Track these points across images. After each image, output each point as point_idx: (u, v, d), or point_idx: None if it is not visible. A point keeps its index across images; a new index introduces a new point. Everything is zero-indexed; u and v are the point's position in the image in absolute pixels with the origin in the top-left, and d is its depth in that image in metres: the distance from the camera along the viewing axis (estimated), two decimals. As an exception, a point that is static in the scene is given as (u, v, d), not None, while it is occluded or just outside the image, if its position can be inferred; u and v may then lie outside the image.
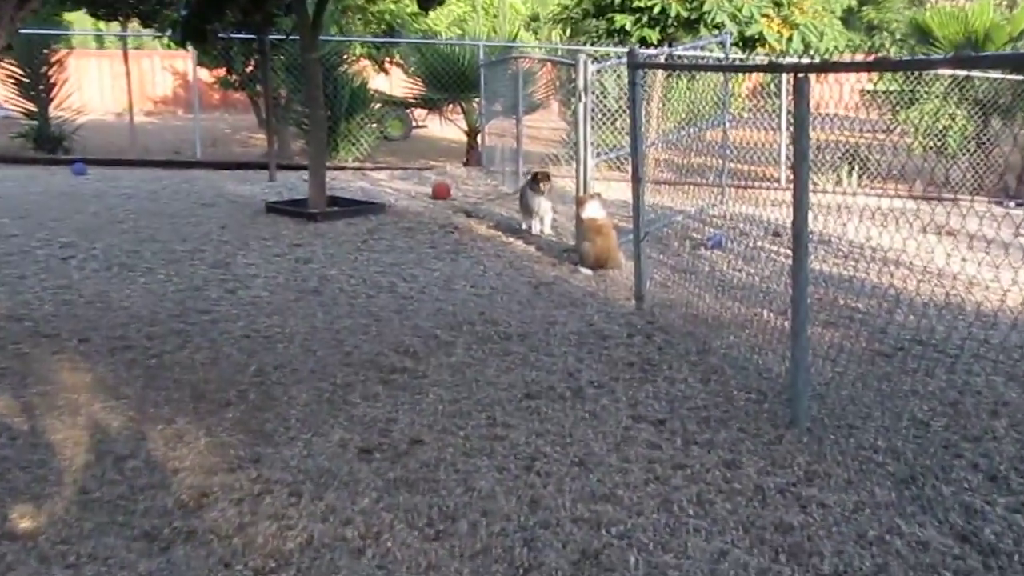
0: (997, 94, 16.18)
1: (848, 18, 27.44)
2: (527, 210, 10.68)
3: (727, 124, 12.71)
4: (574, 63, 9.93)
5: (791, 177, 5.26)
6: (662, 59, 12.86)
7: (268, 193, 13.91)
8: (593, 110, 9.98)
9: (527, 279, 8.67)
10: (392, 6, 23.26)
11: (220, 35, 14.83)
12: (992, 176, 15.89)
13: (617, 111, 13.06)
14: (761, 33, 17.60)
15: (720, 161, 12.84)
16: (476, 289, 8.26)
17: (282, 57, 18.41)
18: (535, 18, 40.11)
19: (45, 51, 19.17)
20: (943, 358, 6.36)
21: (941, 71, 15.91)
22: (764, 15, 17.76)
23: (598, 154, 10.97)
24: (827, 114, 11.18)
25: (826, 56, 17.71)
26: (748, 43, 17.91)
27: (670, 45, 16.55)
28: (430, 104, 20.28)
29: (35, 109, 19.06)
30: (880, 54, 25.28)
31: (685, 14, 17.49)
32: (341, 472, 4.55)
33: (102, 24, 24.63)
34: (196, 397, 5.54)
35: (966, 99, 16.14)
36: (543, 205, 10.58)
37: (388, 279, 8.57)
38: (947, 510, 4.21)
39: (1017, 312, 7.71)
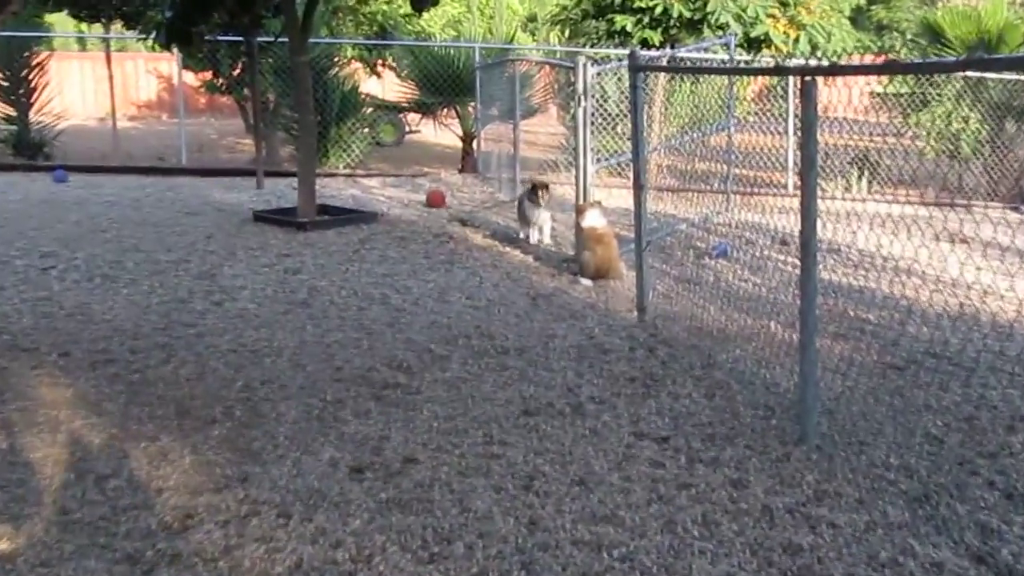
0: (1012, 96, 16.19)
1: (857, 18, 27.53)
2: (525, 220, 10.68)
3: (732, 128, 12.72)
4: (573, 66, 9.93)
5: (799, 183, 5.26)
6: (664, 61, 12.87)
7: (256, 201, 13.91)
8: (593, 114, 9.98)
9: (525, 290, 8.67)
10: (384, 7, 23.32)
11: (206, 37, 14.84)
12: (1007, 181, 15.90)
13: (618, 115, 13.08)
14: (767, 34, 17.61)
15: (725, 167, 12.85)
16: (472, 301, 8.25)
17: (270, 60, 18.42)
18: (532, 19, 40.19)
19: (25, 54, 19.20)
20: (957, 371, 6.35)
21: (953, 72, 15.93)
22: (770, 15, 17.78)
23: (598, 160, 10.96)
24: (836, 118, 11.19)
25: (834, 58, 17.72)
26: (753, 44, 17.92)
27: (672, 47, 16.55)
28: (424, 108, 20.32)
29: (14, 114, 19.08)
30: (890, 56, 25.31)
31: (688, 15, 17.50)
32: (331, 492, 4.53)
33: (84, 26, 24.67)
34: (181, 414, 5.52)
35: (980, 101, 16.15)
36: (542, 216, 10.58)
37: (380, 291, 8.57)
38: (962, 530, 4.20)
39: (1034, 323, 7.71)
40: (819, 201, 5.12)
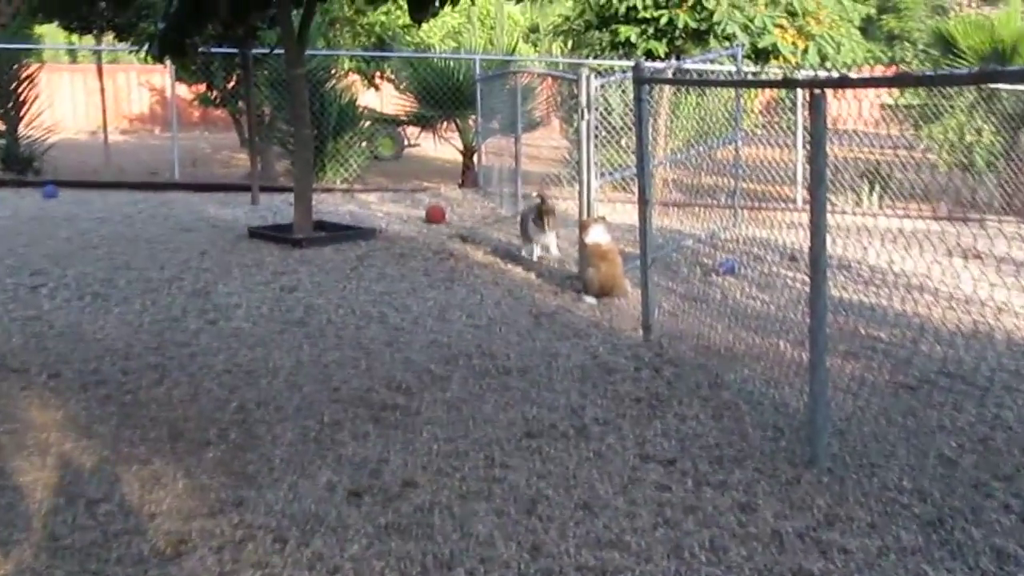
0: (1027, 107, 16.20)
1: (867, 28, 27.58)
2: (527, 238, 10.65)
3: (739, 141, 12.73)
4: (576, 78, 9.96)
5: (807, 197, 5.27)
6: (670, 73, 12.89)
7: (251, 217, 13.93)
8: (597, 128, 10.00)
9: (527, 309, 8.67)
10: (383, 18, 23.38)
11: (200, 49, 14.85)
12: (1022, 194, 15.90)
13: (622, 128, 13.08)
14: (775, 45, 17.64)
15: (732, 181, 12.86)
16: (473, 320, 8.25)
17: (266, 72, 18.46)
18: (534, 29, 40.28)
19: (15, 66, 19.23)
20: (972, 391, 6.35)
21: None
22: (778, 26, 17.82)
23: (602, 174, 10.98)
24: (846, 130, 11.20)
25: (844, 69, 17.75)
26: (761, 55, 17.96)
27: (678, 58, 16.60)
28: (423, 122, 20.36)
29: (3, 128, 19.10)
30: (901, 67, 25.37)
31: (694, 25, 17.54)
32: (329, 517, 4.53)
33: (75, 37, 24.75)
34: (174, 436, 5.52)
35: (993, 112, 16.17)
36: (546, 238, 10.52)
37: (379, 309, 8.57)
38: (977, 555, 4.19)
39: (1050, 341, 7.71)
40: (829, 216, 5.12)
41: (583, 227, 9.26)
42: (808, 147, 5.24)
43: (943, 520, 4.48)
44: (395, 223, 13.52)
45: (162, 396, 6.22)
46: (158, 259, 10.62)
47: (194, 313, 8.35)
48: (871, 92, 14.98)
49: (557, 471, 5.06)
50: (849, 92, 6.15)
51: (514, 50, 24.02)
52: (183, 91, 22.96)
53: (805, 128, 13.77)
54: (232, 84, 19.74)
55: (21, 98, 19.28)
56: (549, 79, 18.70)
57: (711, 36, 17.53)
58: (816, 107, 4.98)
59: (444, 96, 19.05)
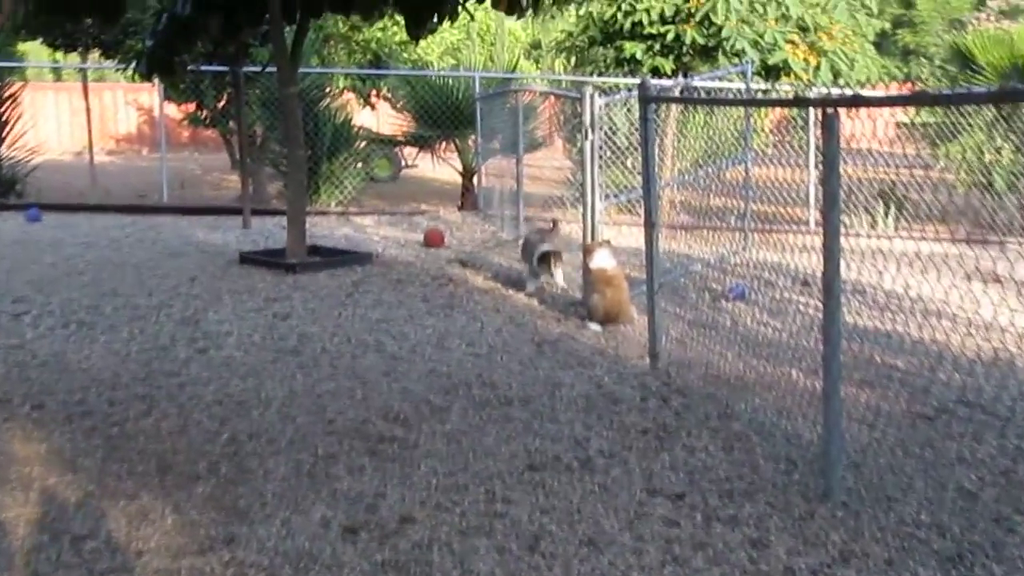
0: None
1: (882, 43, 27.67)
2: (531, 273, 10.60)
3: (749, 162, 12.75)
4: (580, 96, 10.00)
5: (820, 219, 5.28)
6: (677, 91, 12.94)
7: (242, 241, 13.95)
8: (601, 148, 10.03)
9: (529, 336, 8.68)
10: (379, 34, 23.48)
11: (189, 67, 14.93)
12: (1044, 216, 15.92)
13: (628, 149, 13.12)
14: (786, 61, 17.69)
15: (742, 203, 12.87)
16: (473, 348, 8.26)
17: (257, 91, 18.53)
18: (536, 46, 40.43)
19: (-3, 85, 19.31)
20: (993, 421, 6.35)
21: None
22: (789, 41, 17.87)
23: (607, 196, 11.01)
24: (860, 149, 11.22)
25: (857, 86, 17.79)
26: (771, 72, 18.00)
27: (685, 75, 16.65)
28: (421, 142, 20.38)
29: (-15, 149, 19.17)
30: (917, 84, 25.44)
31: (702, 41, 17.60)
32: (323, 554, 4.53)
33: (60, 55, 24.83)
34: (162, 470, 5.53)
35: (1014, 131, 16.19)
36: (553, 278, 10.48)
37: (375, 337, 8.58)
38: (999, 593, 4.19)
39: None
40: (843, 239, 5.13)
41: (587, 251, 9.26)
42: (821, 167, 5.25)
43: (963, 556, 4.48)
44: (392, 247, 13.55)
45: (150, 428, 6.22)
46: (146, 285, 10.64)
47: (183, 341, 8.36)
48: (886, 110, 15.00)
49: (561, 506, 5.06)
50: (863, 111, 6.16)
51: (515, 67, 24.07)
52: (172, 110, 23.05)
53: (817, 147, 13.82)
54: (223, 103, 19.82)
55: (3, 118, 19.37)
56: (552, 97, 18.72)
57: (719, 52, 17.58)
58: (829, 127, 5.00)
59: (443, 115, 19.09)
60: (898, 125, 17.54)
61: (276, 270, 11.48)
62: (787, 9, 17.80)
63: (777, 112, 18.97)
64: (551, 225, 10.91)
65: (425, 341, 8.46)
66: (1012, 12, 28.99)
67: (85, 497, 5.14)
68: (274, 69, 12.70)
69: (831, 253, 5.04)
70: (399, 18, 16.61)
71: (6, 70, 19.81)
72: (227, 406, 6.66)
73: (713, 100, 14.35)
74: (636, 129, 10.06)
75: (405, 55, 25.07)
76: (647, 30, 17.84)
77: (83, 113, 21.19)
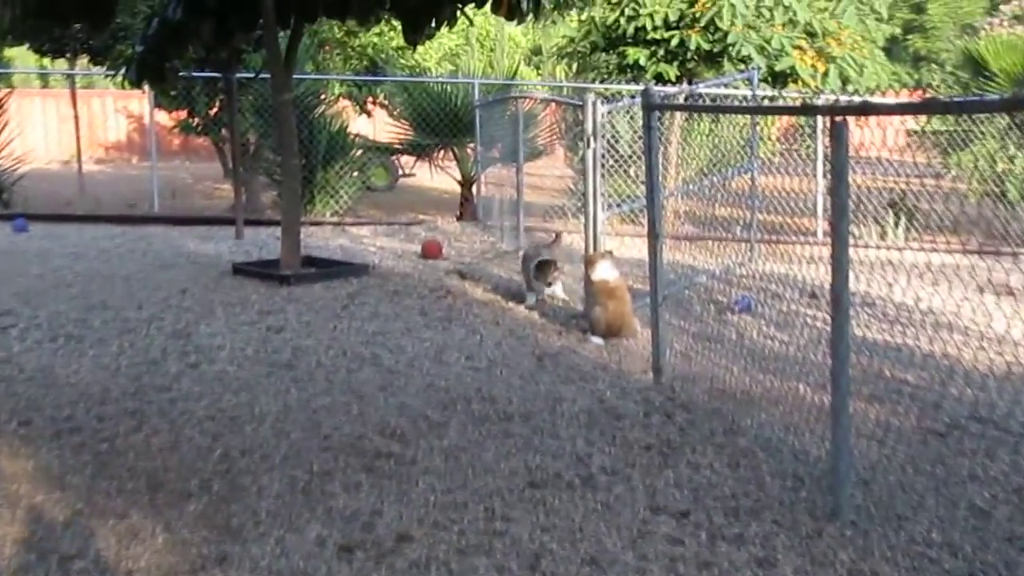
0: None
1: (892, 48, 27.68)
2: (529, 286, 10.62)
3: (755, 171, 12.77)
4: (581, 103, 10.00)
5: (829, 230, 5.29)
6: (681, 99, 12.97)
7: (235, 252, 13.96)
8: (603, 156, 10.04)
9: (530, 350, 8.69)
10: (375, 39, 23.46)
11: (180, 73, 14.95)
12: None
13: (631, 157, 13.13)
14: (793, 68, 17.74)
15: (748, 213, 12.89)
16: (472, 362, 8.27)
17: (251, 98, 18.56)
18: (537, 52, 40.46)
19: (-18, 92, 19.34)
20: (1006, 437, 6.36)
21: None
22: (796, 47, 17.91)
23: (609, 206, 11.01)
24: (869, 158, 11.24)
25: (867, 93, 17.83)
26: (778, 79, 18.05)
27: (690, 82, 16.69)
28: (419, 150, 20.39)
29: (-30, 158, 19.20)
30: (928, 91, 25.47)
31: (707, 47, 17.65)
32: (318, 574, 4.53)
33: (47, 61, 24.86)
34: (153, 487, 5.53)
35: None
36: (552, 289, 10.48)
37: (372, 350, 8.59)
38: (1012, 613, 4.19)
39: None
40: (851, 250, 5.14)
41: (589, 263, 9.27)
42: (829, 176, 5.27)
43: (975, 575, 4.49)
44: (389, 258, 13.56)
45: (140, 444, 6.23)
46: (136, 297, 10.65)
47: (174, 355, 8.37)
48: (896, 118, 15.03)
49: (562, 524, 5.06)
50: (873, 119, 6.19)
51: (515, 74, 24.11)
52: (162, 118, 23.04)
53: (826, 156, 13.84)
54: (215, 110, 19.83)
55: (-10, 126, 19.38)
56: (553, 105, 18.78)
57: (725, 58, 17.63)
58: (837, 135, 5.01)
59: (441, 123, 19.11)
60: (908, 133, 17.58)
61: (270, 282, 11.49)
62: (794, 14, 17.85)
63: (784, 120, 19.00)
64: (552, 237, 10.91)
65: (423, 355, 8.46)
66: (1026, 17, 29.02)
67: (73, 515, 5.14)
68: (267, 75, 12.74)
69: (839, 264, 5.06)
70: (396, 23, 16.66)
71: (-8, 76, 19.86)
72: (219, 421, 6.67)
73: (718, 108, 14.39)
74: (639, 137, 10.08)
75: (402, 61, 25.04)
76: (651, 35, 17.90)
77: (71, 121, 21.21)
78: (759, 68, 16.57)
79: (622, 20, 18.25)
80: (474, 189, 19.14)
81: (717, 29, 17.47)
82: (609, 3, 18.93)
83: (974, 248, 11.29)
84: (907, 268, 8.22)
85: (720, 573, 4.55)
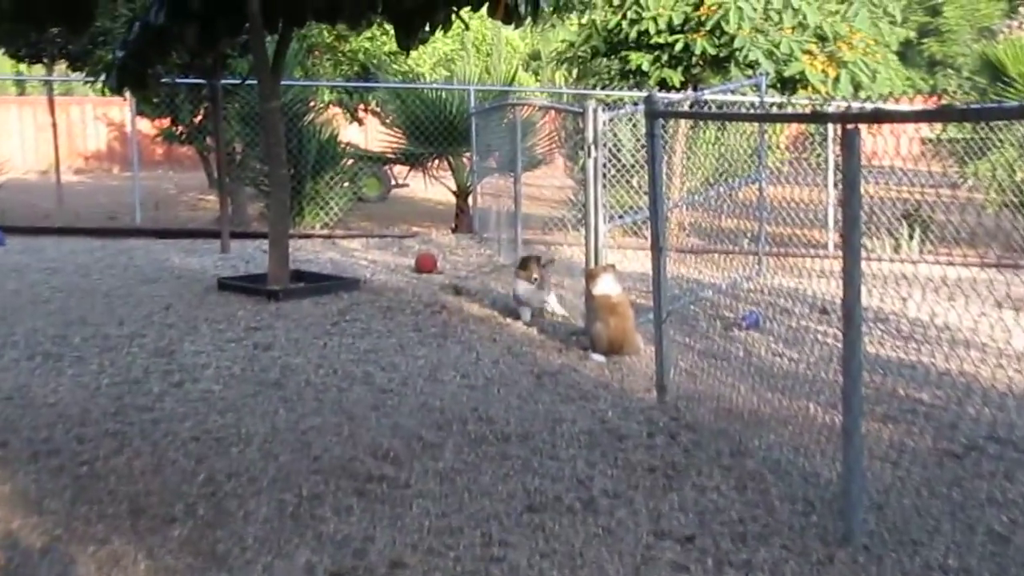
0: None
1: (906, 53, 27.77)
2: (517, 300, 10.64)
3: (764, 181, 12.79)
4: (582, 111, 10.03)
5: (840, 242, 5.31)
6: (686, 106, 12.98)
7: (221, 267, 13.98)
8: (605, 166, 10.06)
9: (528, 368, 8.69)
10: (367, 44, 23.52)
11: (163, 79, 14.98)
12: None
13: (633, 167, 13.15)
14: (803, 73, 17.75)
15: (756, 225, 12.90)
16: (468, 380, 8.28)
17: (237, 105, 18.59)
18: (535, 57, 40.53)
19: (-44, 100, 19.37)
20: (1024, 459, 6.37)
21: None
22: (806, 52, 17.93)
23: (611, 218, 11.03)
24: (882, 167, 11.25)
25: (880, 100, 17.85)
26: (787, 85, 18.07)
27: (695, 88, 16.70)
28: (412, 159, 20.41)
29: (-57, 168, 19.23)
30: (944, 97, 25.52)
31: (712, 52, 17.66)
32: (308, 602, 4.54)
33: (24, 67, 24.89)
34: (135, 512, 5.53)
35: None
36: (535, 296, 10.48)
37: (363, 369, 8.60)
38: (1032, 642, 4.20)
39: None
40: (864, 263, 5.16)
41: (590, 277, 9.28)
42: (840, 186, 5.28)
43: (993, 603, 4.50)
44: (381, 272, 13.57)
45: (122, 467, 6.23)
46: (117, 314, 10.66)
47: (157, 374, 8.37)
48: (910, 126, 15.05)
49: (562, 549, 5.06)
50: (886, 126, 6.19)
51: (513, 79, 24.10)
52: (145, 126, 23.11)
53: (837, 165, 13.85)
54: (199, 118, 19.85)
55: (-37, 135, 19.41)
56: (552, 112, 18.79)
57: (732, 64, 17.64)
58: (849, 144, 5.02)
59: (435, 131, 19.13)
60: (923, 141, 17.60)
61: (257, 297, 11.49)
62: (804, 17, 17.86)
63: (793, 128, 19.02)
64: (547, 259, 10.87)
65: (417, 373, 8.47)
66: (1046, 20, 29.11)
67: (52, 541, 5.14)
68: (254, 81, 12.76)
69: (851, 278, 5.07)
70: (388, 27, 16.72)
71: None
72: (205, 443, 6.67)
73: (725, 115, 14.40)
74: (642, 146, 10.11)
75: (395, 66, 25.11)
76: (654, 40, 17.90)
77: (49, 129, 21.22)
78: (767, 74, 16.58)
79: (624, 24, 18.26)
80: (470, 200, 19.15)
81: (723, 33, 17.48)
82: (611, 6, 18.95)
83: (992, 261, 11.32)
84: (922, 282, 8.20)
85: (727, 601, 4.55)
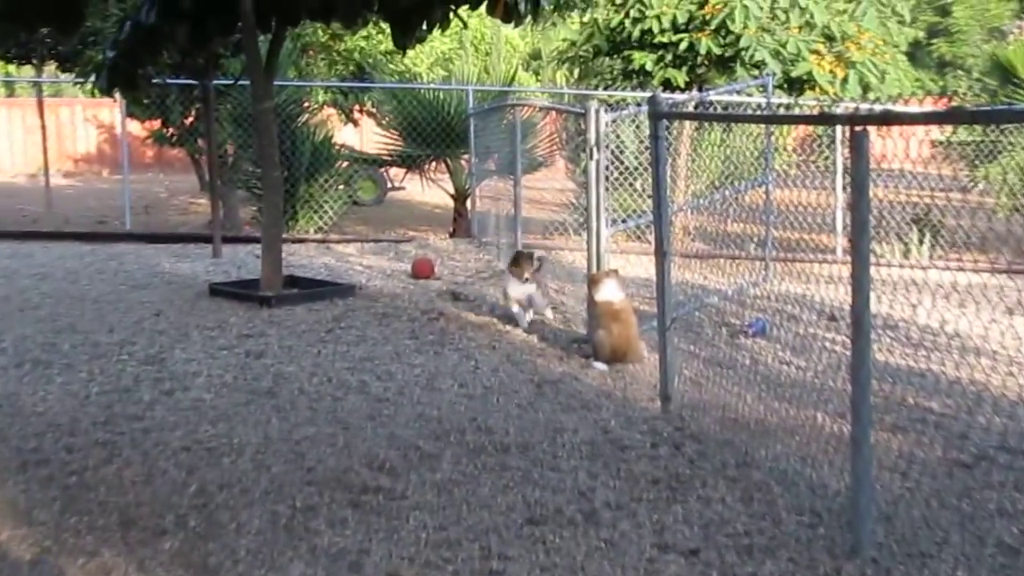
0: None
1: (915, 53, 27.78)
2: (506, 297, 10.64)
3: (770, 184, 12.79)
4: (583, 111, 10.03)
5: (849, 248, 5.31)
6: (691, 106, 12.98)
7: (212, 272, 13.98)
8: (607, 168, 10.06)
9: (528, 376, 8.70)
10: (362, 43, 23.53)
11: (154, 80, 14.97)
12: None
13: (637, 169, 13.16)
14: (810, 74, 17.79)
15: (762, 229, 12.91)
16: (466, 389, 8.28)
17: (229, 106, 18.59)
18: (536, 56, 40.54)
19: (-58, 101, 19.40)
20: (1037, 469, 6.37)
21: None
22: (813, 52, 17.96)
23: (614, 222, 11.04)
24: (892, 170, 11.26)
25: (889, 101, 17.87)
26: (795, 85, 18.09)
27: (700, 89, 16.72)
28: (409, 162, 20.38)
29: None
30: (954, 99, 25.54)
31: (718, 51, 17.69)
32: (302, 616, 4.54)
33: (12, 68, 24.90)
34: (125, 524, 5.53)
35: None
36: (519, 290, 10.48)
37: (358, 377, 8.60)
38: (1044, 658, 4.20)
39: None
40: (873, 269, 5.16)
41: (593, 282, 9.27)
42: (849, 190, 5.28)
43: (1004, 618, 4.50)
44: (377, 278, 13.57)
45: (112, 478, 6.23)
46: (107, 320, 10.66)
47: (148, 382, 8.38)
48: (920, 128, 15.07)
49: (563, 563, 5.07)
50: (895, 128, 6.20)
51: (512, 79, 24.08)
52: (135, 128, 23.10)
53: (845, 168, 13.86)
54: (191, 120, 19.87)
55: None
56: (553, 113, 18.78)
57: (737, 64, 17.67)
58: (858, 146, 5.02)
59: (433, 132, 19.10)
60: (933, 144, 17.61)
61: (249, 303, 11.50)
62: (811, 16, 17.89)
63: (801, 130, 19.04)
64: (537, 263, 10.87)
65: (413, 382, 8.47)
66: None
67: (41, 553, 5.14)
68: (247, 82, 12.76)
69: (860, 284, 5.07)
70: (384, 26, 16.70)
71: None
72: (196, 453, 6.67)
73: (730, 116, 14.42)
74: (646, 148, 10.11)
75: (391, 66, 25.13)
76: (658, 39, 17.93)
77: (38, 131, 21.23)
78: (774, 74, 16.60)
79: (627, 22, 18.29)
80: (468, 203, 19.13)
81: (729, 32, 17.51)
82: (613, 4, 18.98)
83: (1003, 267, 11.30)
84: (932, 288, 8.23)
85: (732, 615, 4.56)
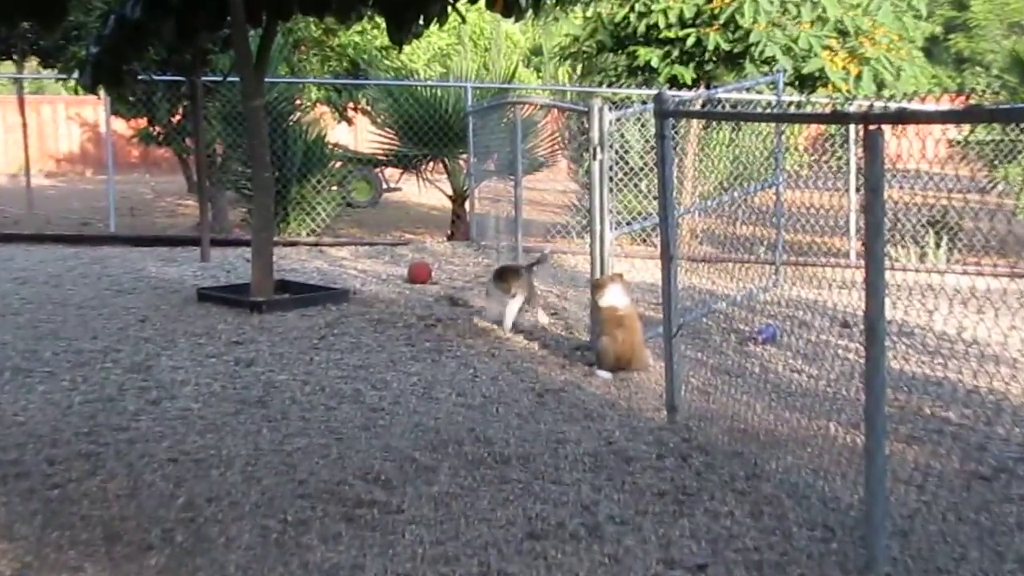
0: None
1: (932, 49, 27.79)
2: (490, 306, 10.65)
3: (781, 185, 12.79)
4: (587, 110, 10.04)
5: (862, 251, 5.31)
6: (698, 105, 12.99)
7: (200, 276, 13.98)
8: (611, 169, 10.07)
9: (529, 385, 8.70)
10: (357, 39, 23.52)
11: (140, 77, 14.99)
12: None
13: (642, 170, 13.17)
14: (822, 70, 17.79)
15: (773, 232, 12.91)
16: (464, 399, 8.28)
17: (218, 104, 18.59)
18: (537, 52, 40.55)
19: (-81, 98, 19.41)
20: (1058, 482, 6.37)
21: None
22: (826, 47, 17.97)
23: (618, 224, 11.05)
24: (907, 170, 11.26)
25: (904, 99, 17.87)
26: (806, 83, 18.10)
27: (708, 86, 16.72)
28: (405, 162, 20.39)
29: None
30: (972, 96, 25.56)
31: (727, 47, 17.70)
32: (294, 635, 4.54)
33: (-8, 64, 24.90)
34: (109, 538, 5.53)
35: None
36: (499, 303, 10.50)
37: (352, 386, 8.60)
38: None
39: None
40: (888, 273, 5.16)
41: (597, 288, 9.27)
42: (862, 191, 5.28)
43: (1024, 636, 4.50)
44: (372, 283, 13.58)
45: (95, 490, 6.23)
46: (90, 327, 10.66)
47: (133, 391, 8.37)
48: (937, 126, 15.08)
49: (565, 579, 5.07)
50: (911, 127, 6.19)
51: (513, 76, 24.10)
52: (120, 126, 23.12)
53: (859, 169, 13.87)
54: (178, 118, 19.88)
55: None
56: (555, 111, 18.78)
57: (747, 60, 17.69)
58: (872, 145, 5.02)
59: (430, 131, 19.11)
60: (950, 143, 17.61)
61: (239, 309, 11.50)
62: (824, 11, 17.91)
63: (812, 129, 19.03)
64: (536, 257, 10.88)
65: (409, 391, 8.47)
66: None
67: (22, 569, 5.15)
68: (236, 79, 12.75)
69: (874, 289, 5.07)
70: (380, 20, 16.70)
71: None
72: (183, 465, 6.67)
73: (739, 115, 14.42)
74: (651, 148, 10.12)
75: (387, 62, 25.12)
76: (664, 34, 17.95)
77: (19, 129, 21.21)
78: (785, 70, 16.62)
79: (632, 17, 18.31)
80: (467, 205, 19.13)
81: (738, 27, 17.53)
82: (617, -2, 19.03)
83: (1023, 271, 11.32)
84: (949, 293, 8.20)
85: (741, 634, 4.56)
